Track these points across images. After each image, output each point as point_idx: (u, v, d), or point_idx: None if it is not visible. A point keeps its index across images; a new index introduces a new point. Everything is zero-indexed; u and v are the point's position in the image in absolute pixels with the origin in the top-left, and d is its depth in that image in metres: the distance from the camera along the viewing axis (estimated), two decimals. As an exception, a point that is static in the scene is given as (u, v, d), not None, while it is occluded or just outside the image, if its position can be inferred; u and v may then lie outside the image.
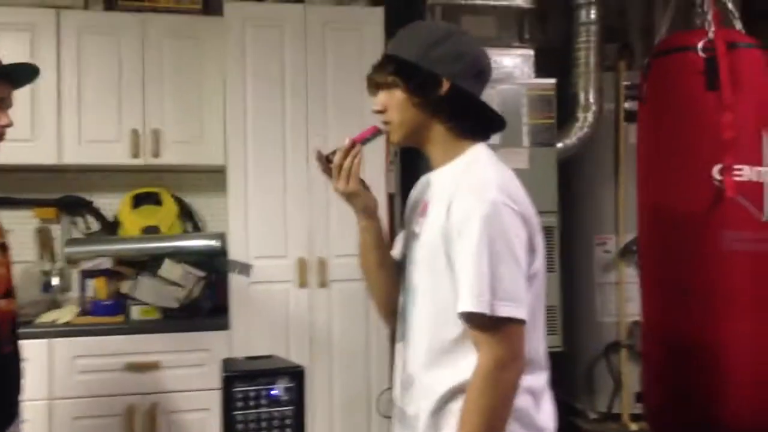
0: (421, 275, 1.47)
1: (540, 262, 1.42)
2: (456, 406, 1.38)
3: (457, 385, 1.38)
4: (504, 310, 1.30)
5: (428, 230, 1.46)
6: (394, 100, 1.46)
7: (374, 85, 1.50)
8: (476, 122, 1.48)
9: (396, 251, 1.61)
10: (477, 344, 1.34)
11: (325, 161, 1.50)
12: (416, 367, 1.47)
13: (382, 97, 1.48)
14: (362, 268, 1.61)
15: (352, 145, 1.48)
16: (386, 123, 1.50)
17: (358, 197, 1.50)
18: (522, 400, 1.39)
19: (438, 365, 1.42)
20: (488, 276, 1.31)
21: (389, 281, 1.59)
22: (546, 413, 1.47)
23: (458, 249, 1.36)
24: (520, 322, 1.32)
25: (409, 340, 1.51)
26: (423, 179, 1.61)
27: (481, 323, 1.32)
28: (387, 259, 1.59)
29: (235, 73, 3.09)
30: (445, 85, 1.42)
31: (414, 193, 1.63)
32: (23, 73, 1.89)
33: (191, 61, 3.27)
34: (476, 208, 1.34)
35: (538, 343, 1.44)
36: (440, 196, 1.45)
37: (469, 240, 1.33)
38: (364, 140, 1.50)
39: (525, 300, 1.33)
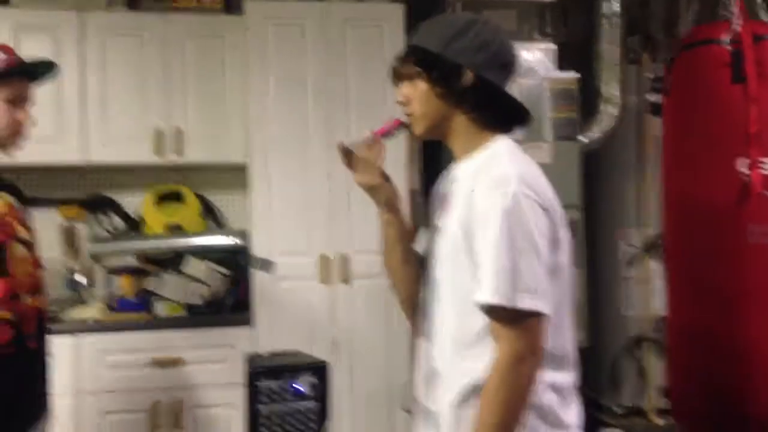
0: (444, 269, 1.45)
1: (565, 256, 1.40)
2: (477, 403, 1.36)
3: (481, 379, 1.36)
4: (524, 303, 1.29)
5: (450, 224, 1.44)
6: (417, 91, 1.44)
7: (398, 77, 1.49)
8: (500, 114, 1.45)
9: (419, 246, 1.58)
10: (496, 337, 1.33)
11: (348, 154, 1.49)
12: (440, 362, 1.46)
13: (406, 88, 1.47)
14: (385, 263, 1.59)
15: (375, 138, 1.48)
16: (409, 115, 1.48)
17: (380, 190, 1.50)
18: (547, 398, 1.37)
19: (462, 359, 1.41)
20: (509, 268, 1.29)
21: (413, 276, 1.56)
22: (573, 411, 1.44)
23: (479, 241, 1.34)
24: (541, 315, 1.31)
25: (432, 335, 1.49)
26: (447, 173, 1.57)
27: (500, 316, 1.31)
28: (410, 255, 1.56)
29: (257, 72, 3.11)
30: (469, 76, 1.40)
31: (438, 187, 1.60)
32: (42, 70, 1.91)
33: (213, 60, 3.29)
34: (497, 201, 1.32)
35: (564, 339, 1.41)
36: (462, 189, 1.43)
37: (490, 232, 1.32)
38: (387, 134, 1.50)
39: (547, 293, 1.32)
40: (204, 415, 2.98)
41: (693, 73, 1.96)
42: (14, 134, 1.84)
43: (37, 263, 1.91)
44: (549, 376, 1.36)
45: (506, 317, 1.31)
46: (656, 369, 3.03)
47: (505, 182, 1.34)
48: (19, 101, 1.83)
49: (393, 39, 3.12)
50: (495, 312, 1.32)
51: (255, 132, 3.10)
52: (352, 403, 3.08)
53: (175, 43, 3.25)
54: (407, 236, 1.56)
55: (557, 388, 1.39)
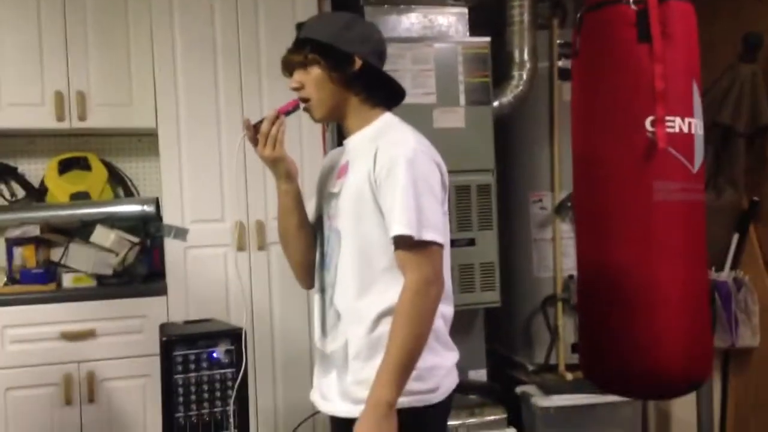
0: (347, 222, 1.65)
1: (446, 206, 1.66)
2: (386, 328, 1.56)
3: (386, 309, 1.58)
4: (428, 234, 1.52)
5: (352, 183, 1.64)
6: (311, 77, 1.65)
7: (291, 66, 1.69)
8: (383, 94, 1.71)
9: (311, 213, 1.81)
10: (404, 266, 1.54)
11: (253, 130, 1.67)
12: (345, 302, 1.65)
13: (299, 75, 1.67)
14: (281, 230, 1.81)
15: (277, 115, 1.66)
16: (305, 100, 1.68)
17: (282, 162, 1.70)
18: (438, 323, 1.62)
19: (368, 293, 1.61)
20: (414, 207, 1.52)
21: (308, 241, 1.79)
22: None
23: (386, 190, 1.56)
24: (441, 246, 1.56)
25: (335, 284, 1.68)
26: (335, 150, 1.85)
27: (409, 245, 1.52)
28: (305, 220, 1.79)
29: (163, 33, 2.99)
30: (358, 63, 1.64)
31: (326, 162, 1.84)
32: None
33: (116, 19, 3.15)
34: (400, 154, 1.55)
35: (446, 277, 1.64)
36: (361, 153, 1.64)
37: (396, 179, 1.54)
38: (287, 112, 1.68)
39: (442, 229, 1.57)
40: (119, 386, 2.91)
41: (599, 33, 2.00)
42: None
43: None
44: (440, 307, 1.60)
45: (414, 247, 1.52)
46: (567, 327, 3.14)
47: (405, 141, 1.60)
48: None
49: (305, 2, 3.07)
50: (404, 242, 1.53)
51: (163, 96, 3.00)
52: (272, 369, 3.06)
53: (74, 1, 3.08)
54: (302, 204, 1.77)
55: (445, 316, 1.66)
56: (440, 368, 1.63)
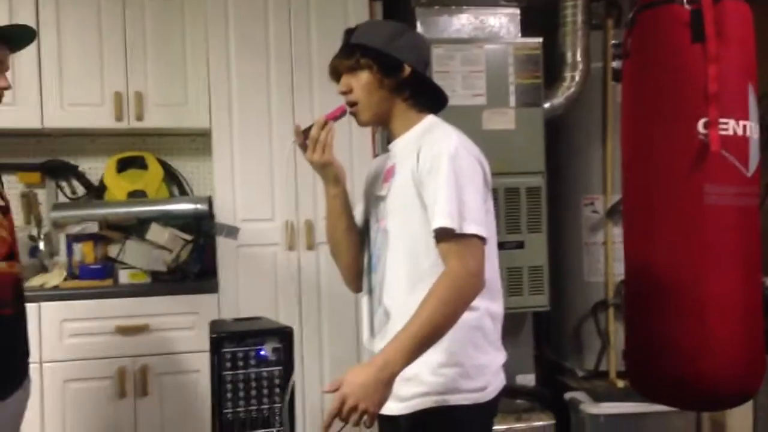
0: (395, 221, 1.68)
1: (490, 203, 1.67)
2: None
3: None
4: (470, 228, 1.52)
5: (398, 184, 1.67)
6: (361, 82, 1.68)
7: (339, 70, 1.72)
8: (429, 99, 1.75)
9: (358, 217, 1.84)
10: (446, 258, 1.54)
11: (303, 136, 1.70)
12: (394, 300, 1.67)
13: (348, 80, 1.70)
14: (330, 233, 1.85)
15: (326, 121, 1.69)
16: (352, 104, 1.71)
17: (330, 167, 1.73)
18: (486, 322, 1.64)
19: (415, 290, 1.58)
20: (456, 200, 1.53)
21: (356, 244, 1.82)
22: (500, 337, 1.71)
23: (429, 184, 1.57)
24: (483, 240, 1.55)
25: (383, 284, 1.71)
26: (380, 156, 1.88)
27: (450, 238, 1.52)
28: (353, 223, 1.82)
29: (217, 35, 3.05)
30: (407, 70, 1.68)
31: (372, 167, 1.87)
32: (20, 36, 1.88)
33: (173, 23, 3.24)
34: (443, 151, 1.57)
35: (493, 273, 1.66)
36: (406, 154, 1.66)
37: (438, 173, 1.55)
38: (335, 117, 1.71)
39: (485, 224, 1.56)
40: (171, 381, 2.97)
41: (652, 33, 1.95)
42: None
43: (12, 229, 1.88)
44: (487, 304, 1.63)
45: (456, 240, 1.52)
46: (618, 333, 3.08)
47: (447, 137, 1.61)
48: None
49: (356, 6, 3.10)
50: (447, 235, 1.52)
51: (216, 97, 3.06)
52: (320, 367, 3.09)
53: (133, 4, 3.18)
54: (349, 208, 1.81)
55: (493, 315, 1.67)
56: (489, 367, 1.64)
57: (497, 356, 1.69)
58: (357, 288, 1.88)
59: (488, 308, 1.64)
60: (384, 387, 1.44)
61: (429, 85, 1.76)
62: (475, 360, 1.61)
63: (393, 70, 1.67)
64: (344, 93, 1.72)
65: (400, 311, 1.62)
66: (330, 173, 1.74)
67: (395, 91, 1.69)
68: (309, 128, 1.71)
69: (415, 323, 1.48)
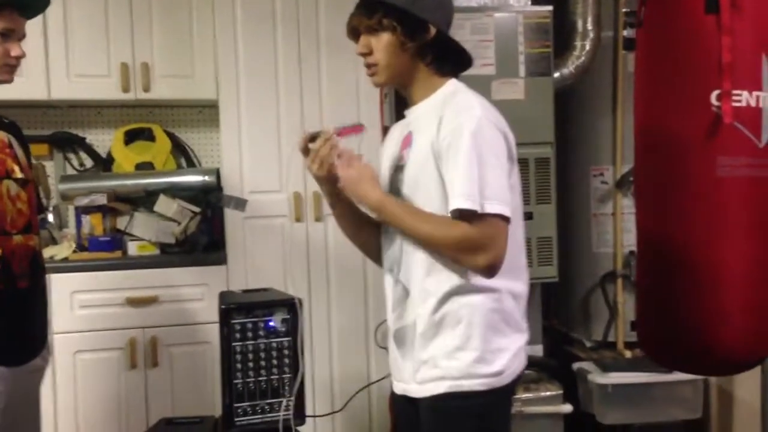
0: (410, 193, 1.60)
1: (516, 177, 1.60)
2: (452, 307, 1.55)
3: (453, 287, 1.55)
4: (492, 208, 1.46)
5: (416, 154, 1.59)
6: (382, 43, 1.57)
7: (358, 30, 1.61)
8: (453, 62, 1.65)
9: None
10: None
11: (305, 141, 1.62)
12: (413, 280, 1.60)
13: (367, 40, 1.59)
14: (346, 235, 1.81)
15: (332, 136, 1.60)
16: (372, 65, 1.61)
17: (324, 183, 1.66)
18: (507, 303, 1.58)
19: (434, 271, 1.56)
20: (477, 179, 1.46)
21: (373, 234, 1.76)
22: (525, 318, 1.66)
23: (449, 160, 1.50)
24: (506, 219, 1.49)
25: (400, 258, 1.64)
26: (396, 124, 1.77)
27: (470, 219, 1.46)
28: (365, 222, 1.76)
29: (224, 5, 3.03)
30: (432, 31, 1.57)
31: (388, 137, 1.77)
32: (34, 3, 1.87)
33: (179, -8, 3.20)
34: (464, 124, 1.49)
35: (518, 251, 1.61)
36: (425, 122, 1.58)
37: (458, 149, 1.48)
38: (345, 135, 1.62)
39: (508, 201, 1.50)
40: (181, 352, 3.00)
41: (666, 3, 1.92)
42: (6, 68, 1.83)
43: (31, 202, 1.89)
44: (509, 284, 1.57)
45: (476, 221, 1.46)
46: (627, 304, 3.08)
47: (470, 109, 1.52)
48: (11, 35, 1.80)
49: (366, -29, 3.05)
50: (467, 217, 1.46)
51: (224, 68, 3.04)
52: (328, 339, 3.11)
53: (138, -26, 3.15)
54: (357, 214, 1.74)
55: (516, 295, 1.60)
56: (506, 351, 1.57)
57: (518, 338, 1.61)
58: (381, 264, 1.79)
59: (511, 289, 1.58)
60: (363, 193, 1.56)
61: (453, 46, 1.63)
62: (493, 344, 1.55)
63: (417, 31, 1.56)
64: (363, 54, 1.62)
65: (418, 292, 1.59)
66: (325, 189, 1.68)
67: (418, 53, 1.59)
68: (317, 134, 1.61)
69: (413, 218, 1.53)
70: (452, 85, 1.62)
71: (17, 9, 1.81)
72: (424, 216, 1.53)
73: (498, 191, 1.47)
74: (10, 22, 1.80)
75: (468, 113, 1.50)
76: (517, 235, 1.59)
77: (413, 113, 1.66)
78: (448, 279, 1.55)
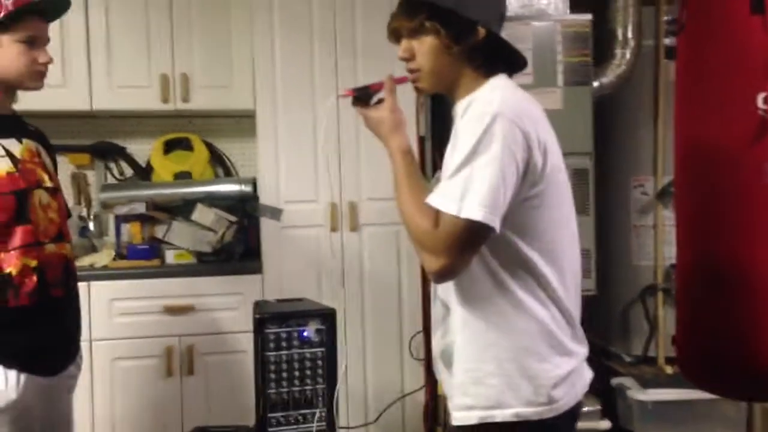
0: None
1: (538, 189, 1.37)
2: (490, 336, 1.41)
3: (483, 306, 1.41)
4: (470, 213, 1.29)
5: (447, 154, 1.46)
6: (425, 46, 1.43)
7: (400, 32, 1.47)
8: (502, 64, 1.47)
9: None
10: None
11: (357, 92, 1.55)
12: (450, 292, 1.47)
13: (409, 44, 1.46)
14: None
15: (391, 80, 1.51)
16: (415, 70, 1.47)
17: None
18: (549, 327, 1.40)
19: (466, 290, 1.43)
20: (463, 180, 1.30)
21: None
22: (575, 340, 1.46)
23: (452, 155, 1.37)
24: (484, 227, 1.30)
25: None
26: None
27: (445, 219, 1.32)
28: None
29: (262, 17, 3.05)
30: (481, 32, 1.41)
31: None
32: (55, 7, 1.87)
33: (218, 4, 3.25)
34: (473, 118, 1.34)
35: (564, 265, 1.42)
36: (459, 122, 1.44)
37: (459, 147, 1.33)
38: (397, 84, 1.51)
39: (498, 207, 1.30)
40: (217, 360, 3.01)
41: (708, 5, 1.86)
42: (35, 75, 1.83)
43: (62, 210, 1.91)
44: (547, 312, 1.39)
45: (448, 222, 1.31)
46: (667, 318, 3.01)
47: (488, 104, 1.34)
48: (36, 42, 1.81)
49: (402, -19, 3.05)
50: (443, 215, 1.32)
51: (261, 78, 3.06)
52: (362, 349, 3.10)
53: (179, -14, 3.20)
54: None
55: (557, 319, 1.41)
56: (547, 377, 1.39)
57: (563, 362, 1.41)
58: None
59: (553, 315, 1.41)
60: (385, 134, 1.48)
61: (505, 47, 1.46)
62: (530, 370, 1.38)
63: (464, 33, 1.40)
64: (405, 59, 1.47)
65: (458, 302, 1.45)
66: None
67: (465, 57, 1.43)
68: (364, 87, 1.55)
69: (409, 189, 1.40)
70: (493, 82, 1.44)
71: (39, 14, 1.82)
72: (415, 195, 1.39)
73: (485, 195, 1.28)
74: (35, 30, 1.80)
75: (483, 108, 1.34)
76: (557, 251, 1.42)
77: (456, 109, 1.51)
78: (478, 295, 1.41)
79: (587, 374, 1.50)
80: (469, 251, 1.34)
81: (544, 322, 1.40)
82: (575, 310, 1.47)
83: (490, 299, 1.40)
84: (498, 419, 1.39)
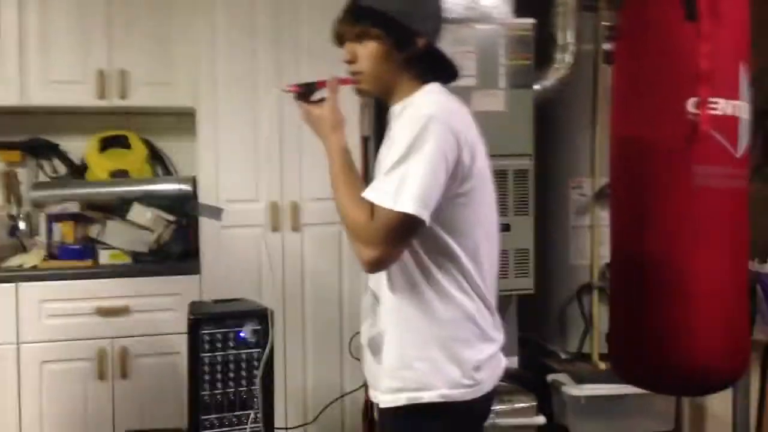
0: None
1: (477, 190, 1.48)
2: (411, 315, 1.50)
3: (411, 295, 1.49)
4: (404, 206, 1.37)
5: (381, 155, 1.56)
6: (368, 51, 1.52)
7: (344, 36, 1.56)
8: (438, 73, 1.58)
9: None
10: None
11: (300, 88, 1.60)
12: (380, 284, 1.55)
13: (353, 47, 1.54)
14: None
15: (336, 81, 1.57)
16: (357, 73, 1.55)
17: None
18: (470, 315, 1.50)
19: (395, 278, 1.51)
20: (400, 175, 1.38)
21: None
22: (495, 328, 1.57)
23: (388, 153, 1.45)
24: (416, 220, 1.38)
25: None
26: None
27: (380, 212, 1.40)
28: None
29: (205, 14, 3.00)
30: (421, 42, 1.51)
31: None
32: None
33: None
34: (409, 118, 1.44)
35: (481, 261, 1.51)
36: (394, 121, 1.54)
37: (395, 145, 1.42)
38: (343, 84, 1.57)
39: (430, 204, 1.39)
40: (151, 363, 2.94)
41: (644, 13, 1.91)
42: None
43: None
44: (469, 305, 1.49)
45: (383, 215, 1.39)
46: (602, 316, 3.06)
47: (424, 107, 1.45)
48: None
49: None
50: (377, 208, 1.40)
51: (202, 76, 3.01)
52: (302, 350, 3.06)
53: (118, -21, 3.11)
54: None
55: (480, 311, 1.52)
56: (470, 362, 1.49)
57: (485, 347, 1.52)
58: None
59: (476, 305, 1.52)
60: (323, 133, 1.55)
61: (441, 58, 1.57)
62: (456, 354, 1.48)
63: (406, 42, 1.50)
64: (348, 62, 1.56)
65: (387, 295, 1.53)
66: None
67: (405, 64, 1.52)
68: (312, 84, 1.59)
69: (344, 184, 1.48)
70: (428, 88, 1.54)
71: None
72: (352, 190, 1.48)
73: (418, 191, 1.37)
74: None
75: (419, 110, 1.44)
76: (479, 246, 1.52)
77: (390, 113, 1.60)
78: (407, 286, 1.50)
79: (503, 360, 1.62)
80: (401, 243, 1.43)
81: (469, 311, 1.50)
82: (493, 300, 1.58)
83: (419, 289, 1.49)
84: (425, 400, 1.48)
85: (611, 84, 2.13)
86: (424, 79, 1.55)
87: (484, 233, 1.53)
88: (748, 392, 2.86)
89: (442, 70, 1.58)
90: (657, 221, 1.90)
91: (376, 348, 1.59)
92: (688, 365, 1.89)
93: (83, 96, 3.12)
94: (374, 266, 1.45)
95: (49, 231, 3.10)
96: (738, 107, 1.85)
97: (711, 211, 1.85)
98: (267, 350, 2.10)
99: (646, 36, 1.95)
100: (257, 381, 2.14)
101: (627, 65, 2.08)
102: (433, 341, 1.49)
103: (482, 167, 1.51)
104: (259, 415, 2.10)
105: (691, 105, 1.83)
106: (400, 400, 1.50)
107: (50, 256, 3.04)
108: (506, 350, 2.92)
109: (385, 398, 1.54)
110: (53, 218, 3.10)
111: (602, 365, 3.03)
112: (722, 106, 1.82)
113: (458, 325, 1.49)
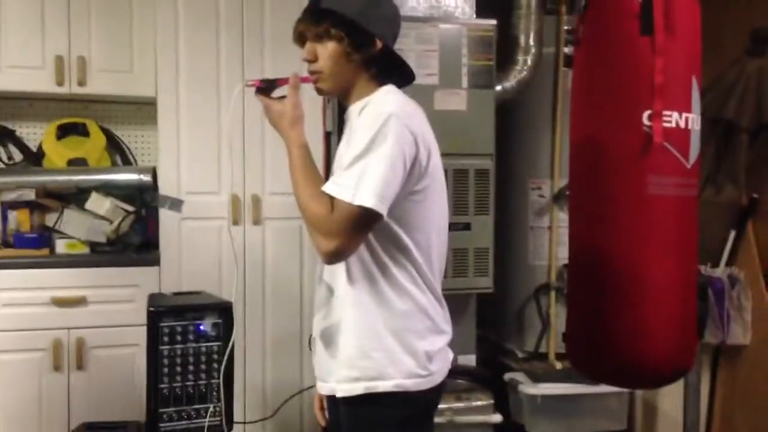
0: None
1: (431, 188, 1.56)
2: (366, 307, 1.55)
3: (366, 288, 1.55)
4: (363, 200, 1.43)
5: (339, 152, 1.63)
6: (328, 51, 1.58)
7: (305, 35, 1.62)
8: (395, 75, 1.66)
9: None
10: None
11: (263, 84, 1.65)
12: (335, 276, 1.60)
13: (313, 47, 1.60)
14: None
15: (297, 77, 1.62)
16: (316, 72, 1.61)
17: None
18: (422, 308, 1.57)
19: (351, 270, 1.56)
20: (360, 170, 1.44)
21: None
22: (446, 321, 1.64)
23: (348, 148, 1.51)
24: (374, 213, 1.44)
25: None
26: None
27: (339, 205, 1.45)
28: None
29: (166, 1, 2.96)
30: (378, 45, 1.59)
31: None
32: None
33: (120, -16, 3.12)
34: (370, 115, 1.50)
35: (431, 256, 1.58)
36: (352, 120, 1.61)
37: (356, 140, 1.48)
38: (303, 82, 1.62)
39: (388, 198, 1.45)
40: (108, 354, 2.91)
41: (603, 23, 1.97)
42: None
43: None
44: (420, 298, 1.56)
45: (342, 208, 1.45)
46: (559, 316, 3.13)
47: (384, 105, 1.52)
48: None
49: (312, -25, 3.03)
50: (336, 201, 1.46)
51: (163, 64, 2.98)
52: (262, 344, 3.07)
53: (77, -36, 3.06)
54: None
55: (431, 303, 1.60)
56: (422, 353, 1.56)
57: (437, 340, 1.60)
58: None
59: (428, 298, 1.59)
60: (282, 127, 1.59)
61: (397, 61, 1.66)
62: (410, 345, 1.55)
63: (363, 43, 1.57)
64: (308, 61, 1.62)
65: (343, 287, 1.58)
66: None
67: (362, 65, 1.60)
68: (272, 81, 1.64)
69: (304, 178, 1.52)
70: (386, 89, 1.62)
71: None
72: (311, 183, 1.52)
73: (377, 186, 1.43)
74: None
75: (380, 108, 1.51)
76: (431, 242, 1.59)
77: (348, 113, 1.67)
78: (364, 278, 1.55)
79: (451, 353, 1.68)
80: (359, 235, 1.49)
81: (422, 303, 1.57)
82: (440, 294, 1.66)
83: (374, 282, 1.55)
84: (381, 389, 1.54)
85: (571, 88, 2.17)
86: (381, 80, 1.63)
87: (435, 230, 1.61)
88: (698, 392, 2.97)
89: (398, 73, 1.67)
90: (612, 225, 1.96)
91: (329, 339, 1.63)
92: (641, 362, 1.96)
93: (41, 82, 3.07)
94: (333, 257, 1.49)
95: (4, 219, 3.04)
96: (690, 119, 1.92)
97: (663, 218, 1.92)
98: (230, 344, 2.10)
99: (604, 47, 2.00)
100: (218, 374, 2.14)
101: (585, 71, 2.13)
102: (388, 332, 1.55)
103: (436, 167, 1.59)
104: (218, 409, 2.11)
105: (645, 117, 1.89)
106: (358, 389, 1.55)
107: (5, 244, 2.99)
108: (464, 348, 3.00)
109: (342, 387, 1.58)
110: (8, 206, 3.04)
111: (558, 365, 3.10)
112: (675, 119, 1.90)
113: (412, 316, 1.56)
